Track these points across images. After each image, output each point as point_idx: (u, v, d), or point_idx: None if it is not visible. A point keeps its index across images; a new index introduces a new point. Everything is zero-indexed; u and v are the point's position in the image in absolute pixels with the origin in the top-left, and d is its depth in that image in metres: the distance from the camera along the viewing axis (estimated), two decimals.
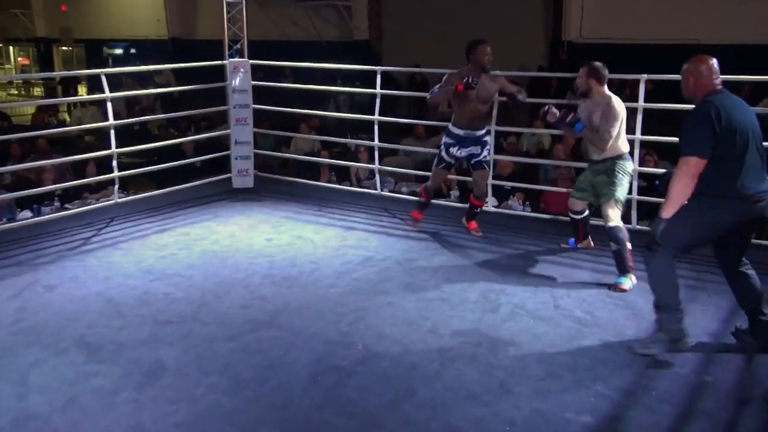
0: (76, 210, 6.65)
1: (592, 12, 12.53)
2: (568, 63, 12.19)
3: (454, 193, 7.36)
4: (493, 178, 6.57)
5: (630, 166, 5.04)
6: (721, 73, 3.79)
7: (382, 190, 7.25)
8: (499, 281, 5.02)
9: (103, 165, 7.11)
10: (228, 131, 7.62)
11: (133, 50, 19.55)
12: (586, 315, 4.45)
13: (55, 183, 7.08)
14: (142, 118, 9.56)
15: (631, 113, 5.48)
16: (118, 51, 20.06)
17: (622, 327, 4.28)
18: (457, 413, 3.34)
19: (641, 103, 5.82)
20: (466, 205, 6.33)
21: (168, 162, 7.29)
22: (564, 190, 6.69)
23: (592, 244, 5.62)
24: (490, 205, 6.58)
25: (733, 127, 3.58)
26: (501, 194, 7.01)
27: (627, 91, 9.01)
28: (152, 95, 13.03)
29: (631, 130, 5.55)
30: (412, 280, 5.06)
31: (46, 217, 6.49)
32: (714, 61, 3.75)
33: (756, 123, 3.73)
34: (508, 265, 5.39)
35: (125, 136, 8.46)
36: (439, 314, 4.46)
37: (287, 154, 8.62)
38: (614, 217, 4.94)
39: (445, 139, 5.87)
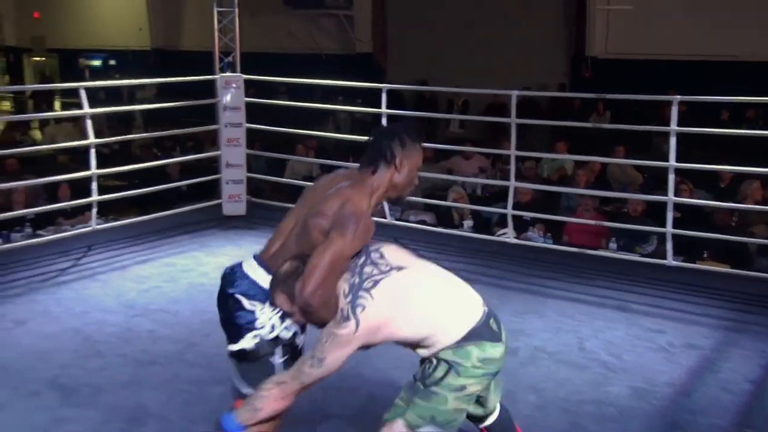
0: (49, 237, 6.69)
1: (618, 25, 12.65)
2: (592, 81, 12.32)
3: (468, 223, 7.41)
4: (512, 207, 6.62)
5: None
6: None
7: (389, 218, 7.30)
8: (517, 321, 5.05)
9: (78, 188, 7.18)
10: (218, 153, 7.68)
11: (112, 61, 19.74)
12: (613, 358, 4.48)
13: (26, 207, 7.12)
14: (124, 137, 9.64)
15: (664, 138, 5.51)
16: (96, 62, 20.25)
17: (654, 372, 4.30)
18: None
19: (674, 127, 5.83)
20: (482, 236, 6.36)
21: (151, 186, 7.35)
22: (588, 221, 6.75)
23: None
24: (509, 236, 6.62)
25: None
26: (520, 225, 7.07)
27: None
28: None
29: (663, 156, 5.59)
30: None
31: (17, 244, 6.53)
32: None
33: None
34: (527, 302, 5.42)
35: (102, 156, 8.52)
36: None
37: (283, 179, 8.68)
38: None
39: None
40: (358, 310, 2.53)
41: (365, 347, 2.64)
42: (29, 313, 5.06)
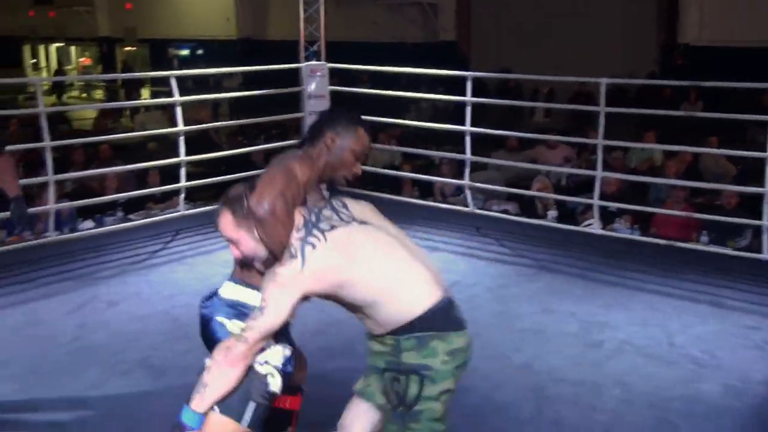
0: (140, 221, 6.91)
1: (714, 9, 12.20)
2: (685, 69, 11.94)
3: (552, 213, 7.30)
4: (598, 198, 6.48)
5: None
6: None
7: (471, 207, 7.24)
8: (602, 313, 4.95)
9: (166, 174, 7.38)
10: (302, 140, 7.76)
11: (200, 51, 20.20)
12: (704, 355, 4.34)
13: (118, 192, 7.38)
14: (212, 124, 9.86)
15: (760, 128, 5.28)
16: (184, 52, 20.77)
17: (748, 371, 4.14)
18: None
19: None
20: (567, 226, 6.25)
21: (236, 173, 7.48)
22: (678, 213, 6.56)
23: None
24: (595, 227, 6.48)
25: None
26: (606, 216, 6.91)
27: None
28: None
29: (759, 146, 5.36)
30: (504, 308, 5.04)
31: (109, 228, 6.78)
32: None
33: None
34: (613, 295, 5.30)
35: (190, 144, 8.74)
36: (533, 348, 4.43)
37: (365, 167, 8.72)
38: None
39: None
40: (308, 248, 2.30)
41: (307, 297, 2.39)
42: (121, 295, 5.22)
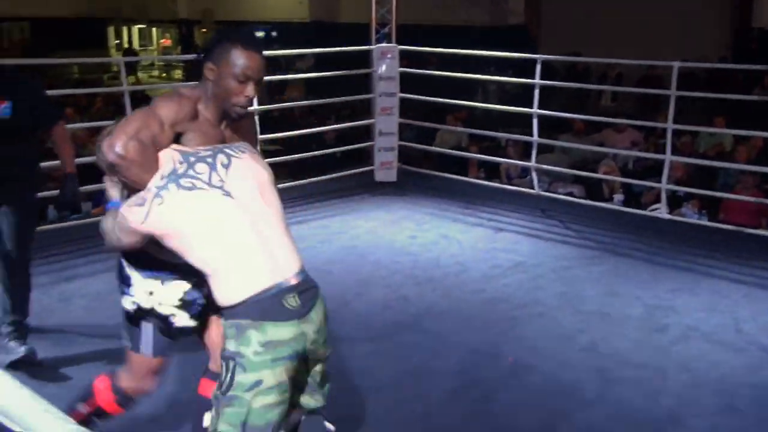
0: None
1: None
2: (758, 53, 11.51)
3: (618, 196, 7.14)
4: (666, 182, 6.30)
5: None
6: None
7: (537, 189, 7.13)
8: (668, 298, 4.82)
9: None
10: (372, 121, 7.77)
11: (273, 33, 20.33)
12: None
13: None
14: (285, 104, 9.93)
15: None
16: (259, 34, 20.94)
17: None
18: None
19: None
20: (633, 210, 6.10)
21: (309, 151, 7.54)
22: (748, 198, 6.35)
23: None
24: (662, 212, 6.31)
25: None
26: (673, 200, 6.73)
27: None
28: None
29: None
30: (568, 289, 4.96)
31: None
32: None
33: None
34: (680, 279, 5.16)
35: (265, 122, 8.82)
36: (598, 330, 4.35)
37: (433, 147, 8.67)
38: None
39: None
40: (156, 201, 2.18)
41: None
42: None
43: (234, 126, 2.46)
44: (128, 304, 2.53)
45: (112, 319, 4.38)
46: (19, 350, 3.77)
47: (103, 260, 5.34)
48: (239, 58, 2.30)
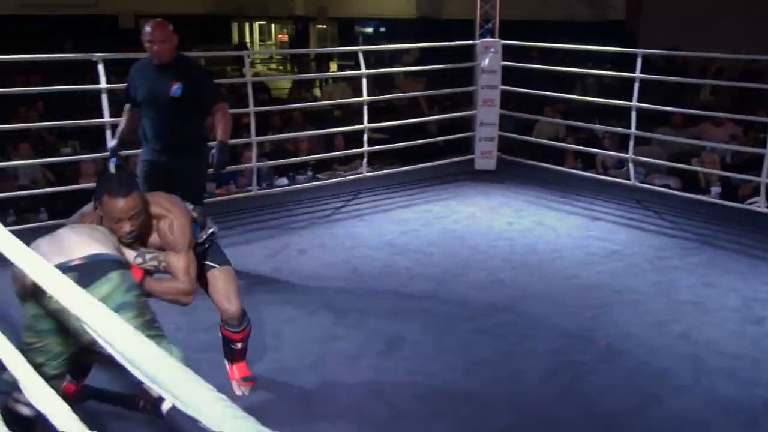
0: (327, 181, 7.13)
1: None
2: None
3: (715, 189, 6.80)
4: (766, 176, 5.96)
5: None
6: None
7: (633, 180, 6.89)
8: (765, 291, 4.57)
9: (350, 139, 7.54)
10: (473, 112, 7.69)
11: (382, 29, 20.40)
12: None
13: (309, 154, 7.64)
14: (390, 95, 9.96)
15: None
16: (368, 30, 21.05)
17: None
18: (710, 430, 3.11)
19: None
20: (730, 203, 5.80)
21: (413, 140, 7.55)
22: None
23: None
24: (761, 206, 5.95)
25: None
26: None
27: None
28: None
29: None
30: (663, 279, 4.78)
31: (300, 185, 7.05)
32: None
33: None
34: None
35: (372, 112, 8.89)
36: (692, 319, 4.18)
37: (532, 138, 8.50)
38: None
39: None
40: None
41: None
42: (309, 244, 5.41)
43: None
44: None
45: None
46: None
47: (225, 237, 5.53)
48: (108, 205, 2.71)
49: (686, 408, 3.27)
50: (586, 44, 7.85)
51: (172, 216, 2.88)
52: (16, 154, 6.95)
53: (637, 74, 6.55)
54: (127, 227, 2.73)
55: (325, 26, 22.85)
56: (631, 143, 6.74)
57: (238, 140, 6.88)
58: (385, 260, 5.11)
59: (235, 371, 3.36)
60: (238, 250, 5.27)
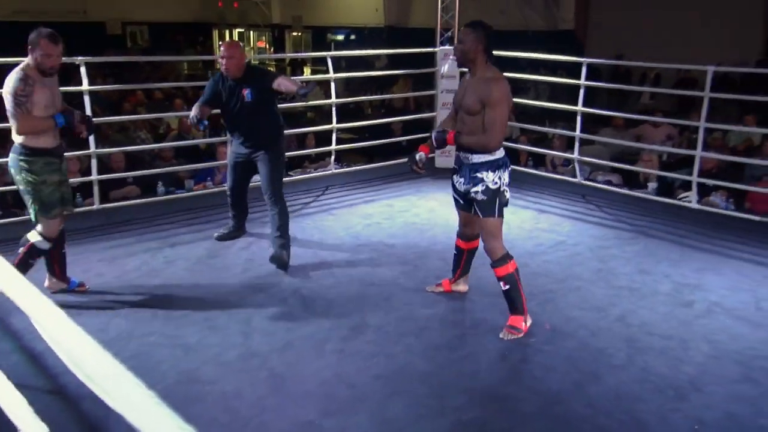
0: (297, 177, 7.09)
1: None
2: None
3: (652, 185, 6.89)
4: (698, 174, 6.06)
5: None
6: None
7: (579, 178, 6.95)
8: (694, 276, 4.66)
9: (321, 138, 7.51)
10: (434, 114, 7.70)
11: (352, 36, 20.32)
12: None
13: None
14: (359, 98, 9.93)
15: None
16: (340, 37, 20.96)
17: None
18: (642, 405, 3.16)
19: None
20: (665, 199, 5.88)
21: (378, 139, 7.53)
22: None
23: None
24: (692, 201, 6.08)
25: None
26: (703, 189, 6.46)
27: None
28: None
29: None
30: (603, 267, 4.84)
31: None
32: None
33: None
34: (706, 260, 4.98)
35: (341, 114, 8.85)
36: (628, 303, 4.24)
37: None
38: None
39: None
40: None
41: None
42: None
43: None
44: (490, 183, 3.86)
45: (209, 280, 4.52)
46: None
47: (202, 230, 5.49)
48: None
49: (621, 384, 3.31)
50: (539, 52, 7.90)
51: None
52: (4, 152, 6.78)
53: (583, 81, 6.60)
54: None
55: (300, 33, 22.71)
56: (577, 144, 6.80)
57: (215, 139, 6.81)
58: (351, 251, 5.10)
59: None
60: (214, 241, 5.25)
